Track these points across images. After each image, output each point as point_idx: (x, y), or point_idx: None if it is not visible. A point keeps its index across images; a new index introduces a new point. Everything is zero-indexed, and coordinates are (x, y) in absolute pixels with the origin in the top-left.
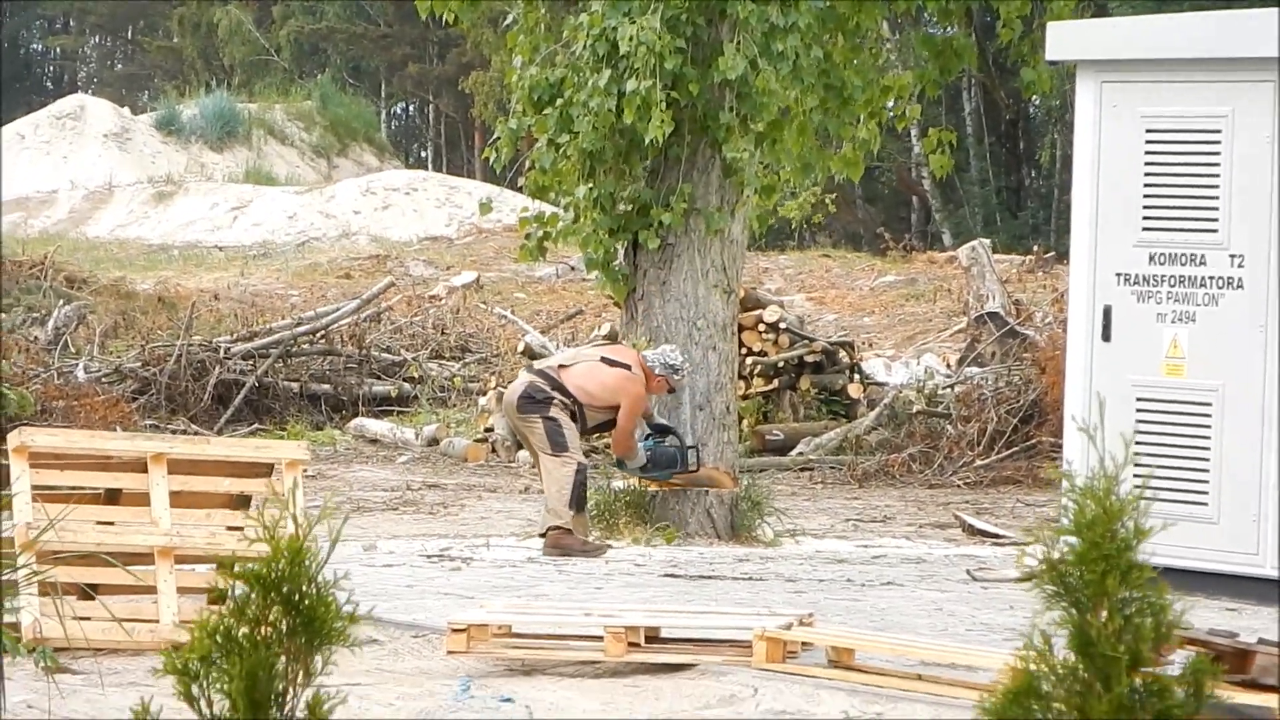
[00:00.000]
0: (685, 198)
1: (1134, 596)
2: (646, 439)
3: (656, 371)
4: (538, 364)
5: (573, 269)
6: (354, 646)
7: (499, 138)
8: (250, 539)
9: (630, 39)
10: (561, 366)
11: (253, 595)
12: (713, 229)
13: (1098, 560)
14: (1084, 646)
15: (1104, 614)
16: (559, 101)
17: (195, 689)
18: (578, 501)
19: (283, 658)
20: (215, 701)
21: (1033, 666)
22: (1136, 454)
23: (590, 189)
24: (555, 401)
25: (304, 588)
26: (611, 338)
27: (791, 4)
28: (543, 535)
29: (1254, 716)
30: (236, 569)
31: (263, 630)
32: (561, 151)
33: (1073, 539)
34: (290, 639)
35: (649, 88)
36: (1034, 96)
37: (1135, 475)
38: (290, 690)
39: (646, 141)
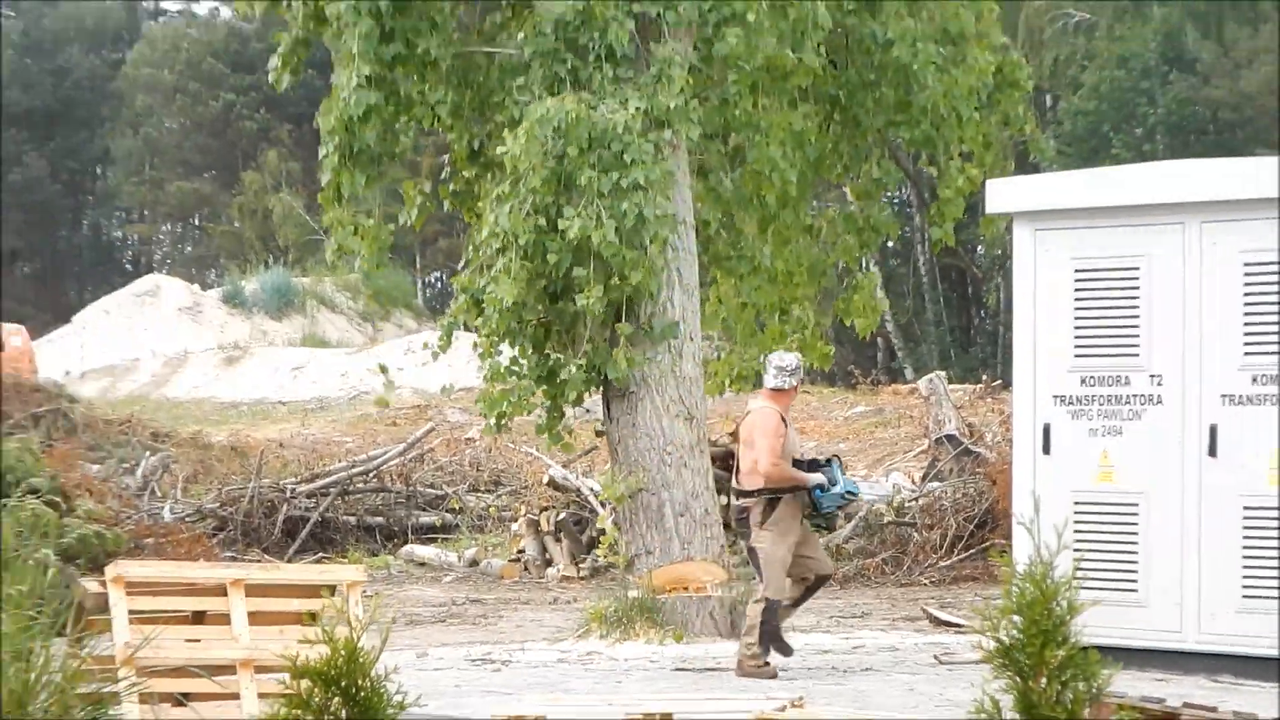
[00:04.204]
0: (631, 363)
1: (1069, 663)
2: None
3: (771, 384)
4: (734, 483)
5: (588, 410)
6: None
7: (442, 339)
8: (312, 641)
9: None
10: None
11: (315, 690)
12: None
13: (1037, 635)
14: (1028, 710)
15: (1043, 681)
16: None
17: None
18: (762, 639)
19: None
20: None
21: None
22: (1077, 551)
23: (534, 367)
24: (747, 517)
25: (359, 681)
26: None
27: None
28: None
29: None
30: (301, 666)
31: None
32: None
33: (1016, 618)
34: None
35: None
36: (979, 248)
37: (1074, 559)
38: None
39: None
